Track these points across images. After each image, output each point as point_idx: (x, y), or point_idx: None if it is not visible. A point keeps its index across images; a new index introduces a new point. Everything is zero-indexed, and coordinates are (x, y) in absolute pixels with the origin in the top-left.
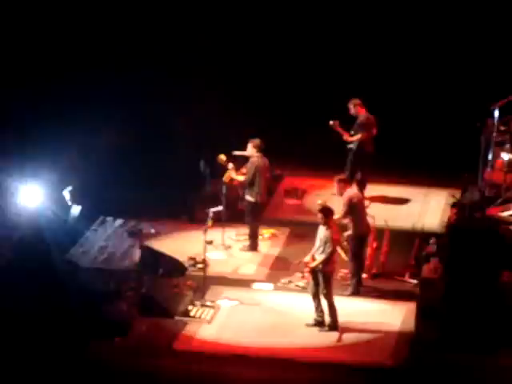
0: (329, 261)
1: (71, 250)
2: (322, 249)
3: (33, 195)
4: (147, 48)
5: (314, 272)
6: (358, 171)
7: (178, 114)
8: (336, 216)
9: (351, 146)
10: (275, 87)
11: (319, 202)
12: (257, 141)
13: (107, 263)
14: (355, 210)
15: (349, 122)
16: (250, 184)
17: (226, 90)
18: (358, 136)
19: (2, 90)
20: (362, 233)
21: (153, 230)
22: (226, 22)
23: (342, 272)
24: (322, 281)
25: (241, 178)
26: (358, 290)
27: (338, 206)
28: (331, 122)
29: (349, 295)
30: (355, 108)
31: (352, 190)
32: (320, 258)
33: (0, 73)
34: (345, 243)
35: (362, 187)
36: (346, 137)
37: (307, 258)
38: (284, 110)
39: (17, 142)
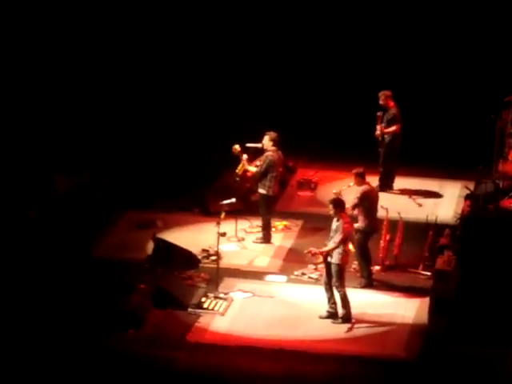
0: (340, 250)
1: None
2: (332, 238)
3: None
4: (163, 44)
5: (326, 263)
6: (388, 163)
7: (189, 106)
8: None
9: (384, 138)
10: (291, 79)
11: (334, 191)
12: (273, 134)
13: (121, 255)
14: (366, 204)
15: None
16: (262, 177)
17: (239, 81)
18: (393, 128)
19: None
20: (369, 228)
21: (160, 223)
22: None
23: (355, 264)
24: (335, 272)
25: (253, 169)
26: (371, 282)
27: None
28: (378, 113)
29: (362, 287)
30: (386, 100)
31: (368, 185)
32: (330, 245)
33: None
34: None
35: (391, 180)
36: (380, 128)
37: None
38: (299, 102)
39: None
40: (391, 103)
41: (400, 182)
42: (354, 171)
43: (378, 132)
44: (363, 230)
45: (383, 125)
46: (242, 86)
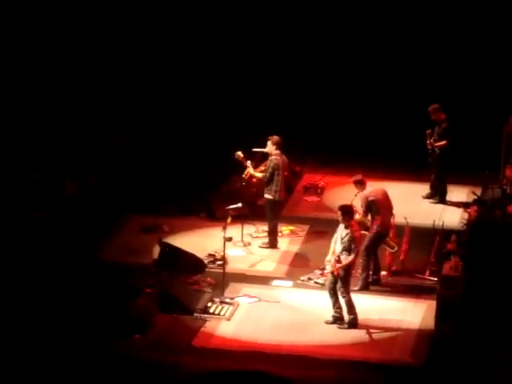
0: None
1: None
2: (348, 250)
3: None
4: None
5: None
6: (442, 177)
7: (196, 110)
8: (357, 216)
9: (436, 151)
10: (299, 84)
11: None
12: (276, 138)
13: (127, 259)
14: (373, 207)
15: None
16: (268, 182)
17: (245, 85)
18: (443, 142)
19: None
20: (382, 228)
21: (166, 228)
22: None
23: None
24: (340, 278)
25: (259, 175)
26: (367, 285)
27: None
28: (428, 131)
29: (357, 290)
30: (436, 113)
31: (368, 189)
32: (348, 258)
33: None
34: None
35: (443, 193)
36: (430, 143)
37: (329, 257)
38: (306, 106)
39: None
40: (442, 116)
41: (403, 187)
42: (352, 180)
43: (429, 146)
44: (376, 231)
45: (433, 139)
46: (248, 91)
